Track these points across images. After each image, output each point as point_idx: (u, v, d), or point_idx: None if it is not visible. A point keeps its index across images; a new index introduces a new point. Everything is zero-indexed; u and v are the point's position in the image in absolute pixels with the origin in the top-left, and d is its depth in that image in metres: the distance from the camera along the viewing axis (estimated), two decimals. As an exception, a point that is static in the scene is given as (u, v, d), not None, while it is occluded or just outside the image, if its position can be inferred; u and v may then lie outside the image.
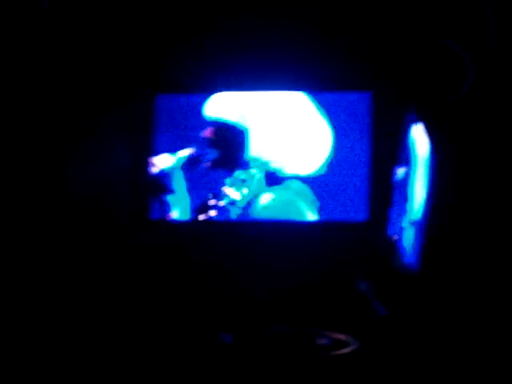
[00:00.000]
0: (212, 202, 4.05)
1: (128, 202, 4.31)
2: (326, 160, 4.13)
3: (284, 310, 4.12)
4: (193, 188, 4.18)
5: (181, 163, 4.08)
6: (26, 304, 4.15)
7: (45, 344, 3.83)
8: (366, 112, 4.19)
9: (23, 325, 3.99)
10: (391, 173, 4.04)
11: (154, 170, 4.11)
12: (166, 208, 4.15)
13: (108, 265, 4.31)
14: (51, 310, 4.13)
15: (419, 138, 3.91)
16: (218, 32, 4.32)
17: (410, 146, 3.98)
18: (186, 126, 4.29)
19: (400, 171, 4.03)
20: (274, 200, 4.12)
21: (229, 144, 4.14)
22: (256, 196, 4.13)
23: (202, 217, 4.03)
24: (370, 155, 4.19)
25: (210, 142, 4.13)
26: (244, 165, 4.11)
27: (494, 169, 3.96)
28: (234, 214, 4.16)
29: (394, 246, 4.08)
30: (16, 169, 4.33)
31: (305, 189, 4.13)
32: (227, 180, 4.13)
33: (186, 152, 4.12)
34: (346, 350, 3.75)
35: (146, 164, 4.20)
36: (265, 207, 4.14)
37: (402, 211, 4.05)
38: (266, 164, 4.08)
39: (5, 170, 4.31)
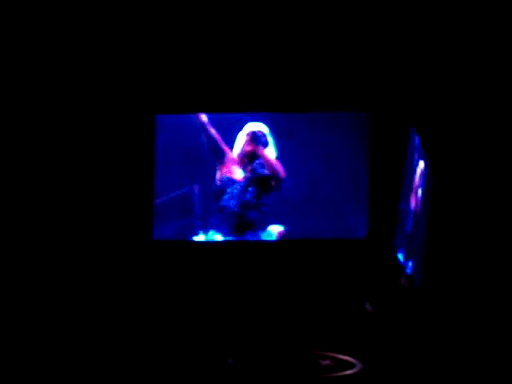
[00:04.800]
0: None
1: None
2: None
3: (288, 330, 4.17)
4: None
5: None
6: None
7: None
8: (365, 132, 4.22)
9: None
10: (392, 192, 4.07)
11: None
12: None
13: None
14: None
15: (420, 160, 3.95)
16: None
17: (413, 169, 4.01)
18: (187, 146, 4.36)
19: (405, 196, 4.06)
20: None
21: None
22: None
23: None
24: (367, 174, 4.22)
25: None
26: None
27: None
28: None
29: (397, 263, 4.12)
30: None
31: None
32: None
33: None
34: (349, 372, 3.80)
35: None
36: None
37: (405, 230, 4.08)
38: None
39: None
